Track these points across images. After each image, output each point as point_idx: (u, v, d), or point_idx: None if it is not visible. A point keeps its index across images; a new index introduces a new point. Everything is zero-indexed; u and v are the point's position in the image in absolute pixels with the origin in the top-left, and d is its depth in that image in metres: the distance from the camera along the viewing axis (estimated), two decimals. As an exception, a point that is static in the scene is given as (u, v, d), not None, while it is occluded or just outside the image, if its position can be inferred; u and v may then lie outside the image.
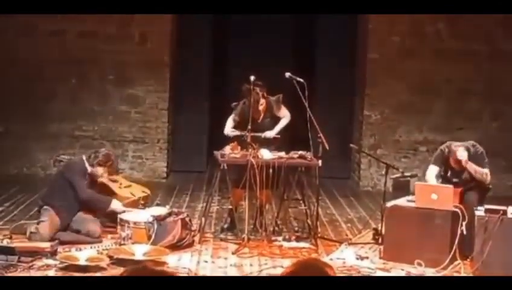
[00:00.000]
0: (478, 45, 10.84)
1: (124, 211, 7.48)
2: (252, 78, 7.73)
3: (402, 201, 7.40)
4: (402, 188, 7.71)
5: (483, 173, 7.40)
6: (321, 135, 7.50)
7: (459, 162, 7.35)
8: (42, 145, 11.09)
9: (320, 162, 7.51)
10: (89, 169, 7.48)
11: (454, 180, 7.42)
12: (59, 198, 7.45)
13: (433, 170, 7.58)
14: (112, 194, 7.90)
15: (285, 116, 8.08)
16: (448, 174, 7.52)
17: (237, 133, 7.87)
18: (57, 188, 7.56)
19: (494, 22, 10.60)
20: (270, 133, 7.93)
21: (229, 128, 8.00)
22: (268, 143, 7.87)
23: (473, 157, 7.39)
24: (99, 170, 7.47)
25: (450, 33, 10.86)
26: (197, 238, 7.58)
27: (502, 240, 6.76)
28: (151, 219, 7.25)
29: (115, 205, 7.54)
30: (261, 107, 7.96)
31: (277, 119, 8.09)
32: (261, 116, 8.00)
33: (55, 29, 10.95)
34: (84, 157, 7.58)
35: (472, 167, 7.35)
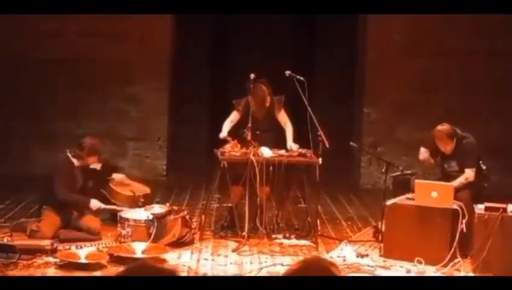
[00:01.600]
0: (478, 43, 10.84)
1: (103, 209, 7.52)
2: (252, 76, 7.76)
3: (402, 199, 7.41)
4: (402, 186, 7.71)
5: (463, 180, 7.39)
6: (321, 132, 7.51)
7: (446, 140, 7.43)
8: (42, 144, 11.08)
9: (320, 160, 7.52)
10: (77, 163, 7.47)
11: (445, 165, 7.52)
12: (56, 196, 7.45)
13: (423, 150, 7.73)
14: (112, 192, 7.92)
15: (286, 122, 8.10)
16: (439, 158, 7.62)
17: (228, 138, 7.88)
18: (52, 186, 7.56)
19: (494, 21, 10.59)
20: (296, 146, 7.89)
21: (224, 132, 8.00)
22: (267, 141, 7.89)
23: (459, 148, 7.46)
24: (91, 160, 7.48)
25: (449, 32, 10.86)
26: (197, 236, 7.59)
27: (502, 238, 6.77)
28: (151, 217, 7.26)
29: (94, 203, 7.48)
30: (264, 104, 7.98)
31: (275, 120, 8.09)
32: (263, 115, 8.02)
33: (55, 29, 10.95)
34: (68, 153, 7.53)
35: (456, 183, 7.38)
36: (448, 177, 7.49)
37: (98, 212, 7.55)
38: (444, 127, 7.47)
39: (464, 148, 7.46)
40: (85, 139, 7.58)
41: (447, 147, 7.48)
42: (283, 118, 8.13)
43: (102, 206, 7.53)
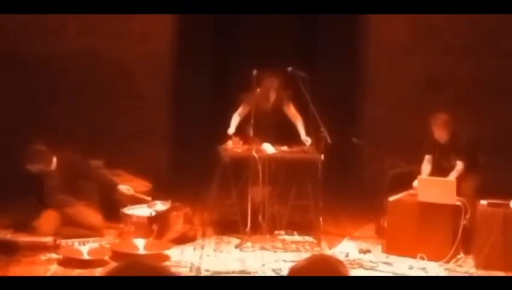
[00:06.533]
0: (479, 42, 10.83)
1: (131, 195, 7.59)
2: (255, 72, 7.76)
3: (405, 195, 7.42)
4: (404, 182, 7.73)
5: (456, 174, 7.44)
6: (323, 129, 7.51)
7: (443, 127, 7.48)
8: (43, 142, 11.05)
9: (322, 156, 7.52)
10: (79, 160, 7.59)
11: (444, 164, 7.53)
12: (60, 193, 7.48)
13: (426, 159, 7.72)
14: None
15: (297, 116, 8.09)
16: (437, 155, 7.63)
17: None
18: (57, 183, 7.59)
19: (495, 20, 10.56)
20: (310, 139, 7.88)
21: (233, 128, 7.99)
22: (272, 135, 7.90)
23: (452, 137, 7.54)
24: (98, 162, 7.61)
25: (451, 30, 10.84)
26: (199, 233, 7.59)
27: (505, 234, 6.79)
28: (153, 214, 7.28)
29: (122, 187, 7.64)
30: (272, 98, 7.97)
31: (283, 114, 8.08)
32: (271, 108, 8.02)
33: (55, 26, 10.93)
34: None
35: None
36: (441, 171, 7.52)
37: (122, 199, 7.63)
38: (443, 114, 7.62)
39: (455, 140, 7.54)
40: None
41: (443, 135, 7.56)
42: (293, 112, 8.12)
43: (131, 192, 7.58)
